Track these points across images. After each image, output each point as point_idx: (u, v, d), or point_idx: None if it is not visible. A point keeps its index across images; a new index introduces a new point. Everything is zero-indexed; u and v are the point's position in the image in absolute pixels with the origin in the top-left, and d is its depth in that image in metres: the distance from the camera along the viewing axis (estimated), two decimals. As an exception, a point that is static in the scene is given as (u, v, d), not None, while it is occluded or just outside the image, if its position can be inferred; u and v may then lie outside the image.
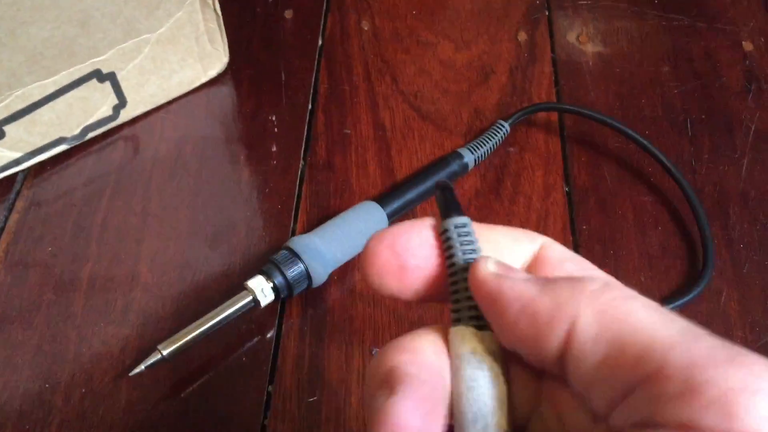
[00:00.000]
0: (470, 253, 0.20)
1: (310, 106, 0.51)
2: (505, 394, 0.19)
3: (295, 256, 0.39)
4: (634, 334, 0.17)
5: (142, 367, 0.36)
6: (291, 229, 0.45)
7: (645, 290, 0.30)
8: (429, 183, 0.45)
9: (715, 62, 0.54)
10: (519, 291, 0.19)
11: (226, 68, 0.52)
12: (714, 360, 0.16)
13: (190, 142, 0.49)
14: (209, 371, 0.39)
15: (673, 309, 0.21)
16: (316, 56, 0.54)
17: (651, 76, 0.53)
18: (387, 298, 0.41)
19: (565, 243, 0.44)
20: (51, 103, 0.44)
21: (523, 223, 0.45)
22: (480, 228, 0.21)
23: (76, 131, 0.47)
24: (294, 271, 0.39)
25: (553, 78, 0.53)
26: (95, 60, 0.45)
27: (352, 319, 0.41)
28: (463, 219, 0.20)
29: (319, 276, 0.40)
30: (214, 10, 0.48)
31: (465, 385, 0.19)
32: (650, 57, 0.54)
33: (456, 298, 0.20)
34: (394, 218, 0.43)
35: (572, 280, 0.19)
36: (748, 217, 0.45)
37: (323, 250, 0.40)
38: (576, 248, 0.44)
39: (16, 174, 0.46)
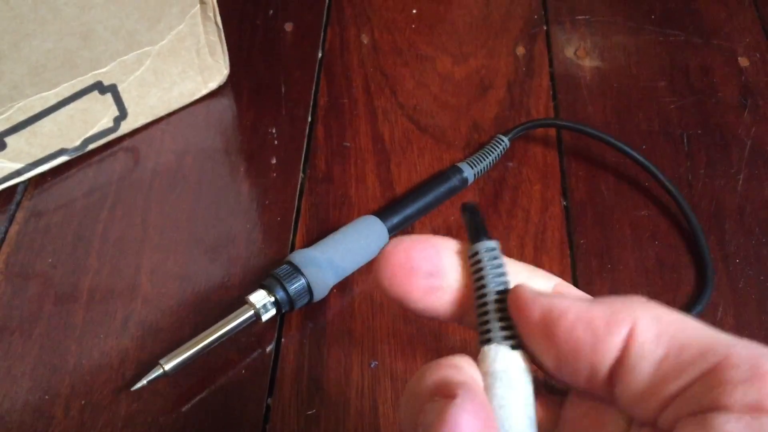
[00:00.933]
0: (501, 276, 0.21)
1: (309, 119, 0.51)
2: (534, 414, 0.20)
3: (297, 270, 0.39)
4: (694, 335, 0.18)
5: (144, 382, 0.36)
6: (290, 242, 0.45)
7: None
8: (429, 198, 0.45)
9: (712, 77, 0.54)
10: (571, 305, 0.19)
11: (227, 80, 0.52)
12: None
13: (191, 153, 0.49)
14: (209, 384, 0.39)
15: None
16: (316, 69, 0.54)
17: (648, 90, 0.54)
18: (388, 311, 0.41)
19: (562, 257, 0.44)
20: (52, 115, 0.45)
21: (522, 237, 0.45)
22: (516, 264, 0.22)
23: (77, 143, 0.47)
24: (295, 285, 0.39)
25: (551, 92, 0.53)
26: (97, 72, 0.45)
27: (352, 333, 0.41)
28: (492, 243, 0.21)
29: (321, 290, 0.40)
30: (215, 22, 0.49)
31: (497, 402, 0.19)
32: (647, 72, 0.55)
33: (486, 319, 0.20)
34: (395, 232, 0.44)
35: (623, 298, 0.19)
36: (744, 231, 0.46)
37: (324, 264, 0.40)
38: (573, 262, 0.44)
39: (16, 185, 0.47)
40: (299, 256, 0.40)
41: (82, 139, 0.47)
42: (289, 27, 0.57)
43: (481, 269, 0.20)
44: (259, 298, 0.39)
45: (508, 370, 0.20)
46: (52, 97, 0.44)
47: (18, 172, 0.46)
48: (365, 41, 0.56)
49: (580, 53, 0.56)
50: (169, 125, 0.50)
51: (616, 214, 0.47)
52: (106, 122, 0.47)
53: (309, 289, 0.39)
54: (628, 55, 0.56)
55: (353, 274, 0.43)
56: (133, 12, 0.44)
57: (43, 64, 0.42)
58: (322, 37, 0.56)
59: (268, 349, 0.40)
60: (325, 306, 0.42)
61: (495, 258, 0.21)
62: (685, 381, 0.18)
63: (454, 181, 0.46)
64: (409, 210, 0.44)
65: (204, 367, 0.39)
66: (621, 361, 0.19)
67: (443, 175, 0.46)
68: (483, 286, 0.20)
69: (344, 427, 0.37)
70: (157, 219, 0.45)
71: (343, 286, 0.43)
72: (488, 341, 0.20)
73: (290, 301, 0.39)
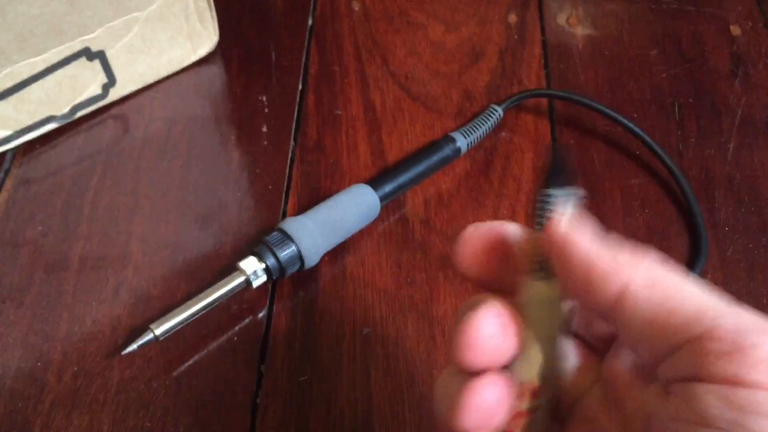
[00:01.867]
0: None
1: (300, 87, 0.51)
2: (558, 335, 0.23)
3: (288, 237, 0.39)
4: (685, 301, 0.19)
5: (134, 346, 0.37)
6: (282, 210, 0.45)
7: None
8: (421, 167, 0.45)
9: (703, 46, 0.54)
10: (584, 246, 0.21)
11: (216, 48, 0.52)
12: (762, 327, 0.18)
13: (180, 121, 0.49)
14: (201, 351, 0.39)
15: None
16: (307, 36, 0.54)
17: (640, 59, 0.53)
18: (380, 278, 0.41)
19: (553, 225, 0.44)
20: (40, 82, 0.44)
21: (513, 205, 0.45)
22: None
23: (66, 110, 0.47)
24: (286, 252, 0.39)
25: (543, 60, 0.53)
26: (84, 38, 0.44)
27: (343, 300, 0.41)
28: (565, 191, 0.23)
29: (312, 258, 0.40)
30: (204, -12, 0.48)
31: (527, 323, 0.22)
32: (639, 40, 0.55)
33: (533, 254, 0.23)
34: (386, 201, 0.44)
35: (633, 250, 0.21)
36: (734, 200, 0.46)
37: (315, 232, 0.40)
38: (564, 230, 0.44)
39: (5, 153, 0.46)
40: (290, 224, 0.40)
41: (71, 106, 0.47)
42: (279, -7, 0.56)
43: (540, 210, 0.22)
44: (250, 264, 0.39)
45: (533, 298, 0.22)
46: (39, 63, 0.43)
47: (6, 140, 0.45)
48: (356, 8, 0.56)
49: (572, 21, 0.56)
50: (158, 93, 0.50)
51: (606, 183, 0.47)
52: (95, 89, 0.47)
53: (300, 256, 0.40)
54: (620, 23, 0.56)
55: (345, 242, 0.43)
56: (120, -24, 0.43)
57: (30, 29, 0.42)
58: (312, 4, 0.56)
59: (260, 315, 0.40)
60: (316, 273, 0.42)
61: (555, 203, 0.22)
62: (672, 344, 0.19)
63: (447, 151, 0.46)
64: (401, 179, 0.44)
65: (196, 334, 0.39)
66: (616, 312, 0.20)
67: (436, 144, 0.46)
68: (539, 224, 0.22)
69: (336, 392, 0.38)
70: (148, 187, 0.45)
71: (335, 254, 0.43)
72: (533, 272, 0.23)
73: (281, 267, 0.39)
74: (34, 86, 0.44)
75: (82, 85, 0.46)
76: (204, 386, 0.38)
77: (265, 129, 0.48)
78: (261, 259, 0.39)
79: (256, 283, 0.39)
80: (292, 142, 0.48)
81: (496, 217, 0.45)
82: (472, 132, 0.47)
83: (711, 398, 0.18)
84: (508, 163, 0.47)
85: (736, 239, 0.44)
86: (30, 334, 0.39)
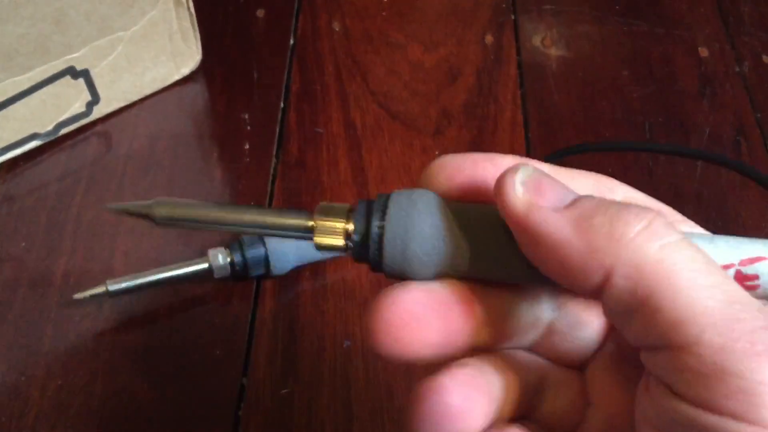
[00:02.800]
0: None
1: (282, 105, 0.52)
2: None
3: (261, 240, 0.41)
4: (673, 301, 0.16)
5: (87, 294, 0.40)
6: (264, 226, 0.46)
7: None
8: None
9: (673, 67, 0.56)
10: (551, 228, 0.18)
11: (199, 66, 0.53)
12: (749, 350, 0.16)
13: (163, 139, 0.49)
14: (184, 365, 0.40)
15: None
16: (288, 55, 0.55)
17: (612, 79, 0.55)
18: (360, 292, 0.42)
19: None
20: (25, 100, 0.45)
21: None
22: (558, 171, 0.21)
23: (50, 127, 0.47)
24: (254, 253, 0.41)
25: (519, 80, 0.55)
26: (69, 57, 0.45)
27: (324, 313, 0.42)
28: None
29: (280, 265, 0.41)
30: (188, 8, 0.49)
31: None
32: (611, 61, 0.56)
33: None
34: None
35: (611, 220, 0.17)
36: (702, 216, 0.48)
37: (289, 242, 0.41)
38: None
39: (-12, 169, 0.47)
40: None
41: (55, 123, 0.47)
42: (260, 13, 0.57)
43: None
44: (217, 253, 0.41)
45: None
46: (24, 81, 0.44)
47: (-10, 157, 0.46)
48: (337, 28, 0.57)
49: (546, 42, 0.57)
50: (141, 110, 0.51)
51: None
52: (79, 107, 0.48)
53: (266, 260, 0.41)
54: (593, 44, 0.58)
55: (326, 260, 0.43)
56: (106, -3, 0.44)
57: (16, 48, 0.43)
58: (293, 24, 0.57)
59: (242, 329, 0.41)
60: (298, 287, 0.43)
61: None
62: (654, 344, 0.17)
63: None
64: None
65: (179, 348, 0.40)
66: (600, 298, 0.18)
67: None
68: None
69: (318, 405, 0.39)
70: (131, 203, 0.46)
71: (316, 269, 0.43)
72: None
73: (246, 266, 0.41)
74: (19, 104, 0.45)
75: (66, 103, 0.47)
76: (186, 399, 0.38)
77: (247, 146, 0.49)
78: (230, 252, 0.41)
79: (218, 273, 0.41)
80: (273, 159, 0.49)
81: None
82: None
83: (680, 416, 0.17)
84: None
85: (705, 254, 0.46)
86: (13, 348, 0.39)
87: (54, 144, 0.48)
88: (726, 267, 0.19)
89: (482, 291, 0.21)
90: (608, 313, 0.18)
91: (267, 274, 0.42)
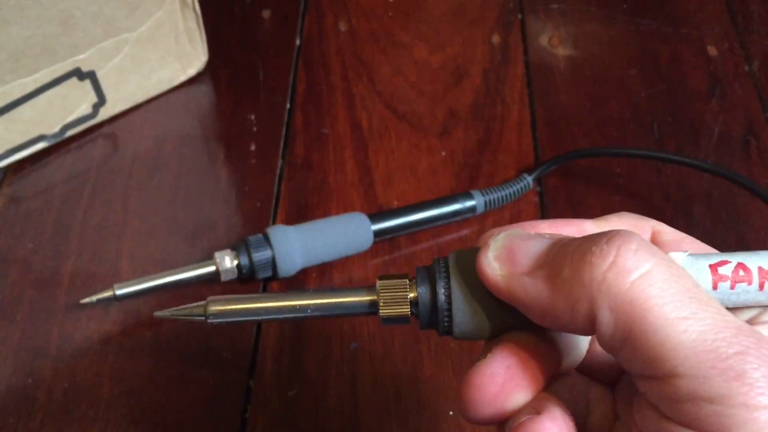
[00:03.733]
0: None
1: (288, 106, 0.52)
2: None
3: (268, 242, 0.41)
4: (647, 340, 0.18)
5: (93, 298, 0.40)
6: (270, 227, 0.45)
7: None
8: (426, 214, 0.44)
9: (681, 66, 0.56)
10: (532, 295, 0.20)
11: (205, 67, 0.52)
12: (721, 378, 0.17)
13: (170, 140, 0.49)
14: (191, 367, 0.39)
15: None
16: (294, 56, 0.55)
17: (619, 79, 0.55)
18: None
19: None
20: (31, 101, 0.45)
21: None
22: (598, 222, 0.23)
23: (56, 129, 0.47)
24: (260, 255, 0.41)
25: (526, 80, 0.54)
26: (75, 58, 0.45)
27: (331, 315, 0.42)
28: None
29: (286, 267, 0.41)
30: (194, 9, 0.49)
31: None
32: (619, 60, 0.56)
33: None
34: (382, 237, 0.44)
35: (577, 267, 0.19)
36: (711, 216, 0.47)
37: (295, 243, 0.41)
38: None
39: (-5, 171, 0.47)
40: (274, 230, 0.41)
41: (61, 125, 0.47)
42: (266, 14, 0.57)
43: None
44: (224, 256, 0.41)
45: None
46: (30, 83, 0.44)
47: (-3, 158, 0.46)
48: (343, 29, 0.57)
49: (554, 42, 0.57)
50: (148, 112, 0.51)
51: (588, 200, 0.48)
52: (85, 108, 0.48)
53: (273, 263, 0.41)
54: (601, 44, 0.57)
55: (333, 263, 0.43)
56: (112, -2, 0.44)
57: (22, 50, 0.43)
58: (299, 25, 0.57)
59: (249, 331, 0.41)
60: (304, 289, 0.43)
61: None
62: (640, 373, 0.19)
63: (458, 205, 0.45)
64: (401, 219, 0.44)
65: (185, 350, 0.40)
66: (594, 334, 0.19)
67: (451, 197, 0.45)
68: None
69: (324, 406, 0.38)
70: (137, 205, 0.46)
71: (322, 272, 0.43)
72: None
73: (252, 268, 0.41)
74: (25, 106, 0.45)
75: (72, 104, 0.47)
76: (193, 401, 0.38)
77: (253, 147, 0.49)
78: (236, 254, 0.41)
79: (225, 276, 0.41)
80: (280, 160, 0.49)
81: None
82: (493, 193, 0.45)
83: None
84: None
85: (714, 254, 0.45)
86: (20, 350, 0.39)
87: (60, 146, 0.48)
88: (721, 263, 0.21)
89: (536, 335, 0.22)
90: (603, 347, 0.19)
91: (274, 276, 0.42)
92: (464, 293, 0.21)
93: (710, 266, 0.21)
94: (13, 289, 0.42)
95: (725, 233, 0.46)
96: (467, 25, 0.58)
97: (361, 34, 0.57)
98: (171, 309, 0.24)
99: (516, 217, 0.47)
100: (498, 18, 0.58)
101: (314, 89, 0.53)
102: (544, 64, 0.56)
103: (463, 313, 0.21)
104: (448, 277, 0.21)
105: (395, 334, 0.41)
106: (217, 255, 0.41)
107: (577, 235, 0.21)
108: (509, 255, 0.20)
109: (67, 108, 0.47)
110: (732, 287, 0.21)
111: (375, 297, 0.22)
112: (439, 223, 0.45)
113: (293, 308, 0.22)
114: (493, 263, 0.20)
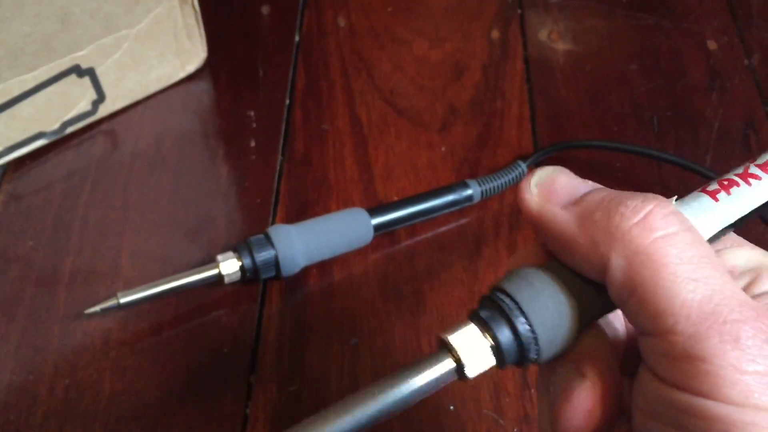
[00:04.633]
0: None
1: (287, 102, 0.52)
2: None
3: (270, 242, 0.41)
4: (654, 293, 0.19)
5: (97, 308, 0.39)
6: (270, 224, 0.45)
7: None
8: (425, 205, 0.44)
9: (681, 60, 0.56)
10: (559, 225, 0.21)
11: (204, 64, 0.52)
12: (717, 339, 0.18)
13: (169, 136, 0.49)
14: (192, 363, 0.40)
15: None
16: (293, 52, 0.55)
17: (619, 73, 0.55)
18: (367, 290, 0.42)
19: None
20: (30, 98, 0.45)
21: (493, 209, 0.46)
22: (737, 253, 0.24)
23: (56, 126, 0.47)
24: (263, 256, 0.40)
25: (525, 75, 0.54)
26: (75, 55, 0.45)
27: (331, 311, 0.42)
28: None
29: (289, 266, 0.41)
30: (192, 5, 0.49)
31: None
32: (619, 55, 0.56)
33: None
34: (382, 231, 0.44)
35: (609, 214, 0.20)
36: (711, 210, 0.47)
37: (298, 242, 0.41)
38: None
39: (-5, 168, 0.47)
40: (276, 230, 0.41)
41: (61, 122, 0.47)
42: (266, 10, 0.57)
43: None
44: (227, 259, 0.40)
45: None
46: (30, 80, 0.44)
47: (-4, 156, 0.46)
48: (342, 24, 0.57)
49: (553, 37, 0.57)
50: (147, 108, 0.51)
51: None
52: (84, 105, 0.48)
53: (276, 263, 0.41)
54: (601, 38, 0.57)
55: (334, 259, 0.43)
56: (110, -5, 0.44)
57: (21, 47, 0.42)
58: (299, 21, 0.57)
59: (249, 328, 0.41)
60: (305, 286, 0.43)
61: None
62: (643, 329, 0.19)
63: (455, 195, 0.45)
64: (401, 212, 0.44)
65: (187, 346, 0.40)
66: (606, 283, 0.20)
67: (447, 187, 0.45)
68: None
69: (325, 403, 0.38)
70: (137, 201, 0.46)
71: (323, 268, 0.43)
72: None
73: (256, 269, 0.40)
74: (25, 103, 0.45)
75: (71, 101, 0.47)
76: (194, 398, 0.38)
77: (253, 143, 0.49)
78: (239, 257, 0.40)
79: (228, 279, 0.40)
80: (279, 157, 0.49)
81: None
82: (489, 182, 0.46)
83: (658, 395, 0.19)
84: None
85: (714, 249, 0.45)
86: (21, 347, 0.39)
87: (60, 143, 0.48)
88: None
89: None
90: (612, 296, 0.20)
91: (276, 276, 0.42)
92: (543, 318, 0.20)
93: (700, 191, 0.23)
94: (14, 286, 0.42)
95: (725, 227, 0.46)
96: (467, 20, 0.58)
97: (361, 30, 0.57)
98: None
99: (511, 205, 0.47)
100: (497, 13, 0.58)
101: (314, 85, 0.53)
102: (544, 59, 0.55)
103: (549, 340, 0.20)
104: (520, 308, 0.20)
105: (395, 329, 0.41)
106: (220, 258, 0.40)
107: None
108: (551, 186, 0.21)
109: (66, 105, 0.47)
110: (728, 193, 0.22)
111: (455, 360, 0.20)
112: (438, 213, 0.45)
113: (380, 410, 0.20)
114: (533, 188, 0.21)
